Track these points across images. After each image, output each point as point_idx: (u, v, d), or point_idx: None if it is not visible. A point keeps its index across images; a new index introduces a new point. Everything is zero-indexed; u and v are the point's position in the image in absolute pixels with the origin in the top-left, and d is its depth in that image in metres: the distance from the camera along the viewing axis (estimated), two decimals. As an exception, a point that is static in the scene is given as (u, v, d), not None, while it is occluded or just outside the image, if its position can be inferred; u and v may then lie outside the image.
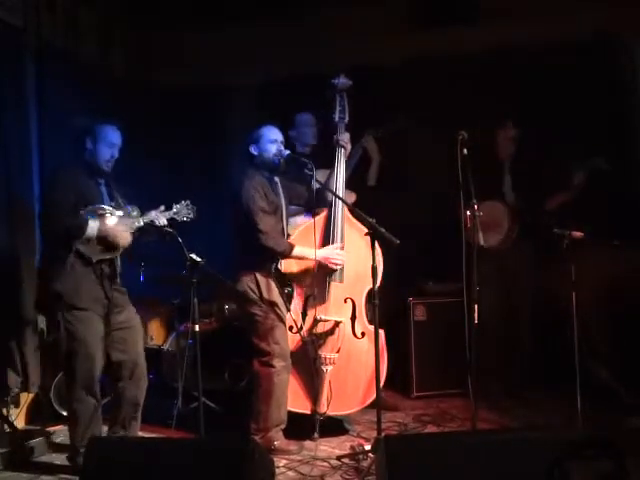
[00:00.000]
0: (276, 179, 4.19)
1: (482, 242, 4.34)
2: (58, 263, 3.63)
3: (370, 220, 3.70)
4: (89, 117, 3.97)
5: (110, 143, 3.76)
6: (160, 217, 3.81)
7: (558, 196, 4.73)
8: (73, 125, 3.95)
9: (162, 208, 3.86)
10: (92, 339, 3.66)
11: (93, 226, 3.58)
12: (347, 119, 4.37)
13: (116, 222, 3.66)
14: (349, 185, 4.60)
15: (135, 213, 3.77)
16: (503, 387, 4.84)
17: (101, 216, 3.63)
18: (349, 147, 4.37)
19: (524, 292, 4.91)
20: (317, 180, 4.01)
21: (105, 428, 3.85)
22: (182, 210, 3.93)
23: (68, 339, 3.67)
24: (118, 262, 3.80)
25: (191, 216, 3.96)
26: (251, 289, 4.02)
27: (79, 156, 3.80)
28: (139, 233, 3.78)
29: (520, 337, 4.91)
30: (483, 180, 4.08)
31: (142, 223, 3.76)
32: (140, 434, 3.91)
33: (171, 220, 3.85)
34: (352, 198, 4.74)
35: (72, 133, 3.92)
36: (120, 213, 3.72)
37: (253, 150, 4.13)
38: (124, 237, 3.67)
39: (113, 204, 3.77)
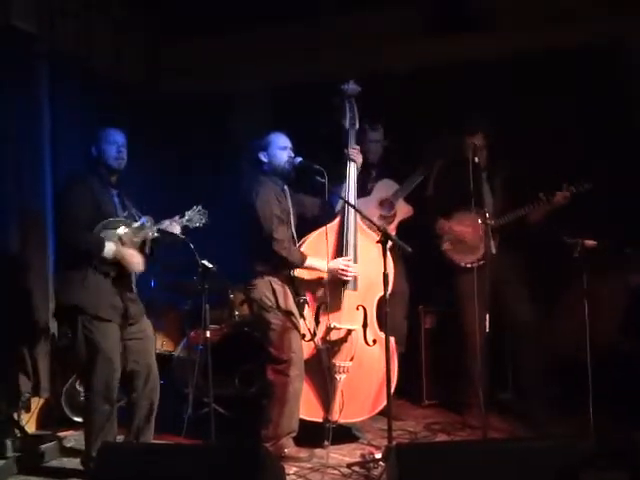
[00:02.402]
0: (286, 187, 4.19)
1: (494, 250, 4.33)
2: (76, 275, 3.65)
3: (382, 228, 3.70)
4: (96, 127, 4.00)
5: (112, 141, 3.78)
6: (174, 226, 3.80)
7: (539, 210, 4.41)
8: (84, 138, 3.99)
9: (177, 218, 3.85)
10: (110, 347, 3.67)
11: (110, 248, 3.61)
12: (357, 126, 4.35)
13: (132, 249, 3.69)
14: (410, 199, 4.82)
15: (149, 224, 3.78)
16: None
17: (113, 231, 3.67)
18: (360, 160, 4.33)
19: (514, 302, 4.54)
20: (329, 188, 4.00)
21: (120, 437, 3.87)
22: (194, 216, 3.90)
23: (88, 348, 3.68)
24: (134, 274, 3.83)
25: (203, 221, 3.92)
26: (267, 297, 4.00)
27: (89, 167, 3.83)
28: (155, 245, 3.81)
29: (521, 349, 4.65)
30: (462, 188, 4.09)
31: (156, 234, 3.76)
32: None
33: (184, 228, 3.85)
34: (409, 212, 4.85)
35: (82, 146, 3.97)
36: (136, 224, 3.74)
37: (262, 157, 4.12)
38: (136, 266, 3.70)
39: (126, 214, 3.79)
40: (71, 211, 3.68)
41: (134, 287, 3.83)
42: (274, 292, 4.01)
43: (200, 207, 3.93)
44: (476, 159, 3.97)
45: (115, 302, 3.71)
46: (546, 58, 5.12)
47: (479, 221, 4.27)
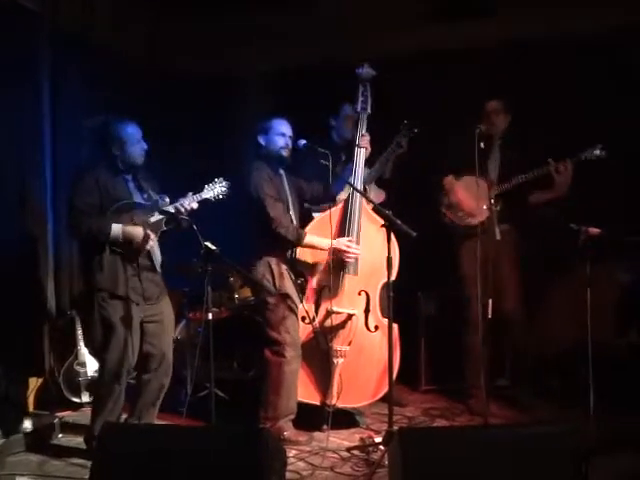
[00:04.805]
0: (281, 172, 4.20)
1: (498, 236, 4.32)
2: (94, 259, 3.66)
3: (386, 213, 3.69)
4: (103, 116, 3.97)
5: (137, 140, 3.78)
6: (191, 201, 3.76)
7: (543, 194, 4.41)
8: (89, 127, 3.97)
9: (190, 194, 3.80)
10: (125, 327, 3.67)
11: (117, 229, 3.61)
12: (370, 111, 4.29)
13: (140, 225, 3.67)
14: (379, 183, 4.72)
15: (166, 201, 3.76)
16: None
17: (126, 215, 3.66)
18: (369, 149, 4.30)
19: (510, 280, 4.54)
20: (334, 171, 3.98)
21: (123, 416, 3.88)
22: (215, 189, 3.84)
23: (103, 326, 3.70)
24: (156, 253, 3.83)
25: (225, 192, 3.86)
26: (266, 278, 4.02)
27: (103, 155, 3.79)
28: (171, 224, 3.78)
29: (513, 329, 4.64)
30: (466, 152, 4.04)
31: (169, 211, 3.73)
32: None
33: (204, 202, 3.80)
34: (381, 197, 4.76)
35: (89, 135, 3.96)
36: (147, 203, 3.74)
37: (261, 140, 4.13)
38: (143, 243, 3.67)
39: (145, 196, 3.78)
40: (75, 203, 3.67)
41: (157, 268, 3.84)
42: (272, 273, 4.02)
43: (221, 179, 3.88)
44: (482, 145, 3.94)
45: (132, 282, 3.71)
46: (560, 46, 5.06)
47: (480, 190, 4.20)
